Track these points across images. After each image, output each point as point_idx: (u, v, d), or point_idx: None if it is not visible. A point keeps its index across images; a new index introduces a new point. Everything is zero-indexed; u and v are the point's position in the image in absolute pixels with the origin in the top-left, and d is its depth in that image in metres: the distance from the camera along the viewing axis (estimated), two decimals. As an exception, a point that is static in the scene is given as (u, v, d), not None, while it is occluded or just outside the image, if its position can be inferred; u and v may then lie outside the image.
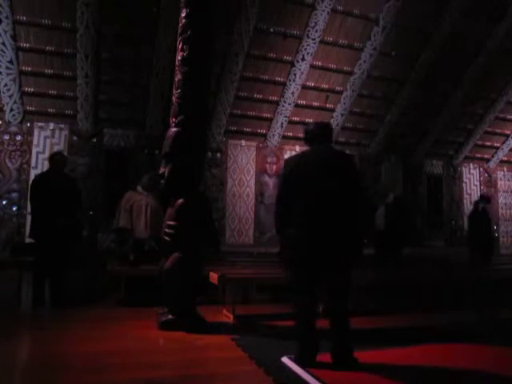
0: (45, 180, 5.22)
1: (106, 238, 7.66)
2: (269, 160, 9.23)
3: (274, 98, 8.67)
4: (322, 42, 8.08)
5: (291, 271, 3.05)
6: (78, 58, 7.12)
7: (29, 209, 6.08)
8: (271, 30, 7.81)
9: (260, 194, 9.05)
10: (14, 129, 7.57)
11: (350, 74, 8.64)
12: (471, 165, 11.20)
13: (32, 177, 6.93)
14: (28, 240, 6.29)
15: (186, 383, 2.66)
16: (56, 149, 7.42)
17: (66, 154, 6.81)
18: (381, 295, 5.46)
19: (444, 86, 9.26)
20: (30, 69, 7.27)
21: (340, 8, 7.83)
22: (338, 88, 8.81)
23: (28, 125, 7.64)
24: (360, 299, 4.94)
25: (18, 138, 7.59)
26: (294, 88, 8.47)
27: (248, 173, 9.05)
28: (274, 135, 9.07)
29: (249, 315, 4.60)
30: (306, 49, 8.04)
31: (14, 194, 7.44)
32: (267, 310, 5.02)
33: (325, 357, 2.82)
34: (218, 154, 8.84)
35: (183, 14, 4.24)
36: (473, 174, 11.22)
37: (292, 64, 8.25)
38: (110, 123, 8.05)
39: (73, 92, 7.52)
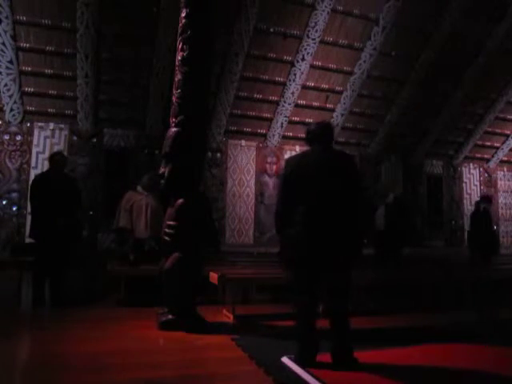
0: (45, 180, 5.22)
1: (106, 238, 7.67)
2: (269, 160, 9.23)
3: (274, 98, 8.67)
4: (322, 42, 8.08)
5: (291, 271, 3.04)
6: (78, 58, 7.12)
7: (29, 209, 6.08)
8: (271, 30, 7.81)
9: (260, 194, 9.06)
10: (14, 129, 7.57)
11: (350, 73, 8.64)
12: (471, 165, 11.20)
13: (32, 177, 6.94)
14: (28, 240, 6.29)
15: (185, 383, 2.66)
16: (56, 149, 7.42)
17: (66, 153, 6.80)
18: (381, 295, 5.45)
19: (444, 86, 9.26)
20: (29, 69, 7.27)
21: (340, 8, 7.84)
22: (337, 88, 8.81)
23: (28, 125, 7.65)
24: (360, 299, 4.94)
25: (18, 138, 7.59)
26: (293, 88, 8.47)
27: (248, 173, 9.05)
28: (274, 135, 9.08)
29: (249, 315, 4.60)
30: (305, 49, 8.04)
31: (14, 194, 7.45)
32: (267, 309, 5.01)
33: (325, 357, 2.82)
34: (218, 154, 8.84)
35: (183, 14, 4.24)
36: (473, 174, 11.23)
37: (292, 64, 8.25)
38: (110, 123, 8.05)
39: (73, 92, 7.52)
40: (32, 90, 7.45)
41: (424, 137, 10.14)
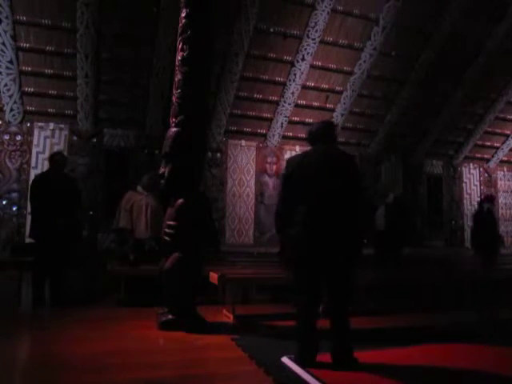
0: (45, 180, 5.22)
1: (105, 238, 7.67)
2: (269, 160, 9.23)
3: (274, 98, 8.67)
4: (322, 42, 8.08)
5: (291, 271, 3.04)
6: (78, 58, 7.12)
7: (29, 209, 6.08)
8: (271, 29, 7.81)
9: (260, 194, 9.06)
10: (14, 129, 7.57)
11: (350, 73, 8.64)
12: (471, 165, 11.20)
13: (32, 177, 6.94)
14: (28, 240, 6.29)
15: (185, 383, 2.66)
16: (56, 149, 7.42)
17: (66, 153, 6.80)
18: (381, 295, 5.45)
19: (444, 86, 9.26)
20: (29, 69, 7.27)
21: (340, 8, 7.84)
22: (337, 88, 8.81)
23: (28, 125, 7.65)
24: (360, 299, 4.93)
25: (18, 138, 7.59)
26: (294, 88, 8.47)
27: (248, 173, 9.05)
28: (273, 135, 9.08)
29: (249, 315, 4.60)
30: (305, 49, 8.04)
31: (14, 194, 7.44)
32: (267, 309, 5.02)
33: (325, 357, 2.82)
34: (218, 154, 8.84)
35: (183, 14, 4.24)
36: (473, 174, 11.23)
37: (292, 64, 8.25)
38: (110, 123, 8.05)
39: (73, 92, 7.52)
40: (32, 90, 7.45)
41: (424, 137, 10.14)
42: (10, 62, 7.01)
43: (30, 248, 5.47)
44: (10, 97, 7.30)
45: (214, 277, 4.56)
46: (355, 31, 8.17)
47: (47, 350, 3.25)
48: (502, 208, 11.35)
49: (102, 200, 7.77)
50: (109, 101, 7.83)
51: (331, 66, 8.55)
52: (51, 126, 7.76)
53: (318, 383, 2.52)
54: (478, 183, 11.24)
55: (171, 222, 4.03)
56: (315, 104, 8.96)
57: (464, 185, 11.08)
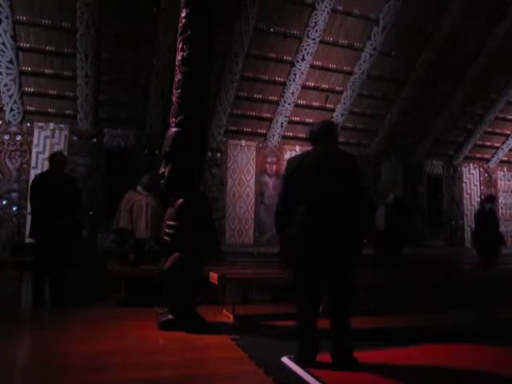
0: (45, 180, 5.22)
1: (105, 238, 7.67)
2: (269, 160, 9.23)
3: (274, 98, 8.67)
4: (322, 42, 8.08)
5: (292, 271, 3.05)
6: (78, 58, 7.12)
7: (29, 209, 6.08)
8: (271, 29, 7.81)
9: (260, 194, 9.06)
10: (14, 129, 7.57)
11: (350, 73, 8.64)
12: (471, 165, 11.20)
13: (32, 177, 6.94)
14: (28, 240, 6.29)
15: (185, 383, 2.66)
16: (56, 149, 7.42)
17: (66, 153, 6.80)
18: (381, 295, 5.45)
19: (444, 86, 9.26)
20: (29, 69, 7.27)
21: (340, 8, 7.84)
22: (337, 88, 8.81)
23: (28, 125, 7.65)
24: (360, 299, 4.93)
25: (18, 138, 7.59)
26: (294, 88, 8.47)
27: (248, 173, 9.05)
28: (273, 135, 9.08)
29: (249, 315, 4.60)
30: (305, 49, 8.04)
31: (14, 194, 7.45)
32: (267, 309, 5.01)
33: (325, 357, 2.82)
34: (218, 154, 8.84)
35: (183, 14, 4.24)
36: (473, 174, 11.23)
37: (292, 64, 8.25)
38: (110, 123, 8.05)
39: (73, 92, 7.52)
40: (32, 90, 7.45)
41: (424, 137, 10.14)
42: (10, 61, 7.01)
43: (30, 248, 5.47)
44: (10, 97, 7.30)
45: (213, 277, 4.56)
46: (355, 31, 8.18)
47: (47, 349, 3.25)
48: (502, 208, 11.35)
49: (101, 200, 7.77)
50: (109, 101, 7.84)
51: (331, 66, 8.55)
52: (51, 126, 7.76)
53: (318, 383, 2.52)
54: (477, 183, 11.24)
55: (171, 222, 4.03)
56: (315, 104, 8.96)
57: (464, 185, 11.08)
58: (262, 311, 4.92)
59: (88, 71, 7.24)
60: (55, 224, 4.95)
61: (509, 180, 11.57)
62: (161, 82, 7.60)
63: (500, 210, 11.27)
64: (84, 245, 7.01)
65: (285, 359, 2.92)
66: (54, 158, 5.38)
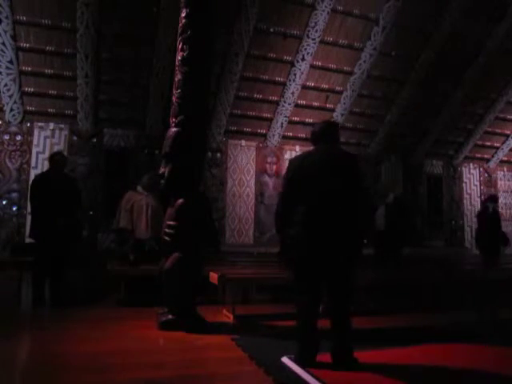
0: (45, 180, 5.22)
1: (105, 238, 7.67)
2: (269, 160, 9.23)
3: (274, 98, 8.67)
4: (322, 42, 8.08)
5: (292, 271, 3.05)
6: (78, 58, 7.12)
7: (29, 209, 6.08)
8: (271, 30, 7.81)
9: (260, 194, 9.06)
10: (14, 129, 7.57)
11: (350, 73, 8.64)
12: (471, 165, 11.20)
13: (32, 177, 6.94)
14: (28, 240, 6.29)
15: (185, 383, 2.66)
16: (56, 149, 7.42)
17: (65, 153, 6.80)
18: (381, 295, 5.45)
19: (444, 86, 9.26)
20: (29, 69, 7.27)
21: (340, 8, 7.84)
22: (337, 88, 8.81)
23: (28, 125, 7.65)
24: (360, 299, 4.93)
25: (18, 138, 7.59)
26: (294, 88, 8.47)
27: (248, 173, 9.05)
28: (273, 135, 9.08)
29: (249, 315, 4.60)
30: (305, 49, 8.04)
31: (14, 194, 7.45)
32: (267, 309, 5.01)
33: (325, 357, 2.82)
34: (218, 154, 8.84)
35: (183, 14, 4.24)
36: (473, 174, 11.23)
37: (292, 64, 8.25)
38: (110, 123, 8.05)
39: (73, 92, 7.53)
40: (32, 90, 7.45)
41: (424, 137, 10.14)
42: (10, 61, 7.01)
43: (30, 248, 5.47)
44: (10, 97, 7.30)
45: (213, 277, 4.56)
46: (355, 31, 8.18)
47: (47, 349, 3.25)
48: (502, 208, 11.31)
49: (102, 200, 7.77)
50: (109, 101, 7.84)
51: (331, 66, 8.55)
52: (51, 126, 7.76)
53: (318, 383, 2.52)
54: (477, 183, 11.24)
55: (171, 222, 4.03)
56: (315, 104, 8.96)
57: (464, 185, 11.08)
58: (262, 311, 4.92)
59: (88, 71, 7.25)
60: (55, 224, 4.94)
61: (509, 180, 11.57)
62: (161, 82, 7.60)
63: (500, 210, 11.24)
64: (84, 245, 7.01)
65: (285, 359, 2.92)
66: (54, 158, 5.38)
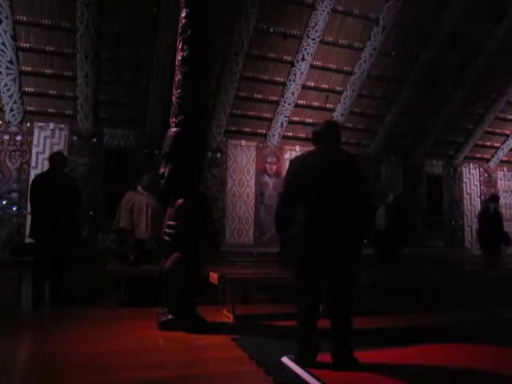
0: (45, 180, 5.22)
1: (105, 238, 7.67)
2: (269, 160, 9.23)
3: (274, 98, 8.67)
4: (322, 42, 8.08)
5: (293, 271, 3.05)
6: (78, 58, 7.12)
7: (29, 209, 6.08)
8: (271, 29, 7.81)
9: (260, 194, 9.06)
10: (14, 129, 7.57)
11: (350, 73, 8.64)
12: (471, 165, 11.20)
13: (32, 177, 6.94)
14: (28, 240, 6.29)
15: (185, 383, 2.66)
16: (56, 149, 7.42)
17: (66, 154, 6.80)
18: (381, 295, 5.45)
19: (444, 86, 9.26)
20: (29, 69, 7.27)
21: (340, 8, 7.84)
22: (337, 88, 8.81)
23: (28, 125, 7.65)
24: (360, 299, 4.93)
25: (18, 138, 7.59)
26: (294, 88, 8.47)
27: (248, 173, 9.05)
28: (273, 135, 9.08)
29: (249, 315, 4.60)
30: (305, 49, 8.04)
31: (14, 194, 7.45)
32: (267, 309, 5.01)
33: (325, 357, 2.82)
34: (218, 154, 8.84)
35: (183, 14, 4.24)
36: (473, 174, 11.23)
37: (292, 64, 8.25)
38: (110, 123, 8.05)
39: (73, 92, 7.52)
40: (32, 90, 7.45)
41: (424, 137, 10.14)
42: (10, 61, 7.01)
43: (30, 248, 5.47)
44: (10, 97, 7.30)
45: (213, 277, 4.56)
46: (355, 31, 8.18)
47: (47, 349, 3.25)
48: (502, 208, 11.33)
49: (102, 200, 7.77)
50: (109, 101, 7.84)
51: (331, 66, 8.55)
52: (51, 126, 7.76)
53: (318, 383, 2.52)
54: (477, 183, 11.24)
55: (171, 222, 4.03)
56: (315, 104, 8.96)
57: (464, 185, 11.08)
58: (262, 311, 4.92)
59: (88, 71, 7.24)
60: (55, 224, 4.94)
61: (509, 180, 11.57)
62: (161, 82, 7.60)
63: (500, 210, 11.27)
64: (84, 245, 7.01)
65: (285, 359, 2.92)
66: (54, 158, 5.38)
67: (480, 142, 10.82)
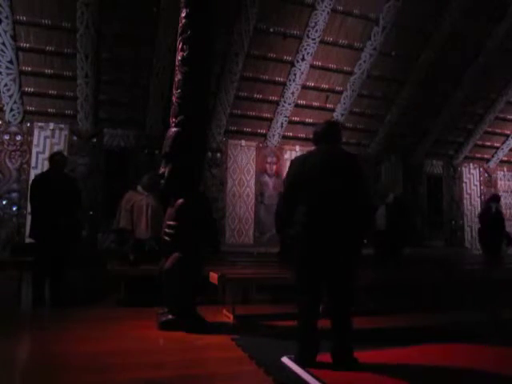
0: (45, 180, 5.22)
1: (105, 238, 7.67)
2: (269, 160, 9.23)
3: (274, 98, 8.67)
4: (322, 41, 8.09)
5: (293, 271, 3.05)
6: (78, 58, 7.12)
7: (29, 209, 6.08)
8: (271, 30, 7.81)
9: (260, 194, 9.06)
10: (14, 129, 7.57)
11: (350, 73, 8.64)
12: (471, 165, 11.20)
13: (32, 177, 6.94)
14: (28, 240, 6.29)
15: (185, 383, 2.66)
16: (56, 149, 7.42)
17: (65, 153, 6.80)
18: (381, 295, 5.45)
19: (444, 86, 9.26)
20: (29, 69, 7.27)
21: (340, 8, 7.84)
22: (338, 88, 8.81)
23: (28, 125, 7.65)
24: (360, 299, 4.93)
25: (18, 138, 7.59)
26: (294, 88, 8.47)
27: (248, 173, 9.06)
28: (273, 135, 9.08)
29: (249, 315, 4.60)
30: (305, 49, 8.04)
31: (14, 194, 7.45)
32: (267, 309, 5.01)
33: (325, 357, 2.82)
34: (218, 154, 8.84)
35: (183, 14, 4.23)
36: (473, 174, 11.23)
37: (292, 64, 8.25)
38: (110, 123, 8.06)
39: (73, 92, 7.53)
40: (32, 90, 7.45)
41: (424, 137, 10.14)
42: (10, 61, 7.01)
43: (30, 248, 5.47)
44: (10, 97, 7.30)
45: (214, 277, 4.56)
46: (355, 31, 8.18)
47: (47, 349, 3.25)
48: (502, 208, 11.34)
49: (102, 200, 7.77)
50: (109, 101, 7.84)
51: (331, 66, 8.55)
52: (51, 126, 7.77)
53: (318, 383, 2.52)
54: (477, 183, 11.24)
55: (171, 222, 4.03)
56: (315, 104, 8.96)
57: (464, 185, 11.08)
58: (262, 311, 4.92)
59: (88, 71, 7.25)
60: (55, 224, 4.94)
61: (509, 180, 11.57)
62: (161, 82, 7.60)
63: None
64: (84, 245, 7.01)
65: (285, 359, 2.92)
66: (54, 158, 5.37)
67: (480, 142, 10.82)
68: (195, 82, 4.16)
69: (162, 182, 4.15)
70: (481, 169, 11.31)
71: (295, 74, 8.32)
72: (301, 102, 8.78)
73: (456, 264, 7.72)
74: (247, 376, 2.81)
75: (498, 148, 11.13)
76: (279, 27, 7.82)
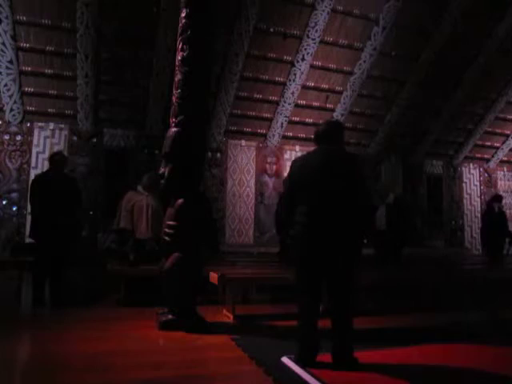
0: (45, 180, 5.21)
1: (106, 238, 7.67)
2: (269, 160, 9.23)
3: (274, 98, 8.68)
4: (322, 41, 8.09)
5: (293, 271, 3.05)
6: (78, 58, 7.13)
7: (29, 209, 6.07)
8: (271, 30, 7.81)
9: (260, 194, 9.06)
10: (14, 129, 7.57)
11: (350, 74, 8.64)
12: (471, 165, 11.20)
13: (32, 177, 6.94)
14: (28, 240, 6.29)
15: (185, 383, 2.66)
16: (56, 149, 7.43)
17: (66, 154, 6.80)
18: (381, 295, 5.45)
19: (444, 86, 9.26)
20: (29, 69, 7.27)
21: (340, 8, 7.84)
22: (338, 88, 8.81)
23: (28, 125, 7.65)
24: (360, 299, 4.93)
25: (18, 138, 7.60)
26: (293, 88, 8.47)
27: (248, 173, 9.06)
28: (273, 135, 9.08)
29: (249, 315, 4.60)
30: (305, 49, 8.04)
31: (14, 194, 7.45)
32: (267, 309, 5.02)
33: (325, 357, 2.82)
34: (218, 154, 8.85)
35: (183, 14, 4.23)
36: (473, 174, 11.23)
37: (292, 64, 8.25)
38: (110, 123, 8.06)
39: (73, 92, 7.53)
40: (32, 90, 7.46)
41: (424, 137, 10.14)
42: (10, 62, 7.02)
43: (30, 248, 5.47)
44: (10, 97, 7.30)
45: (214, 277, 4.56)
46: (355, 31, 8.18)
47: (47, 349, 3.25)
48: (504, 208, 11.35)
49: (102, 200, 7.78)
50: (109, 101, 7.84)
51: (331, 66, 8.55)
52: (51, 125, 7.77)
53: (318, 383, 2.52)
54: (478, 183, 11.24)
55: (171, 222, 4.03)
56: (315, 104, 8.96)
57: (464, 185, 11.09)
58: (262, 311, 4.92)
59: (88, 71, 7.25)
60: (55, 224, 4.94)
61: (509, 180, 11.57)
62: (161, 82, 7.60)
63: (500, 210, 11.26)
64: (84, 245, 7.01)
65: (285, 359, 2.92)
66: (54, 158, 5.37)
67: (480, 142, 10.83)
68: (195, 82, 4.16)
69: (162, 182, 4.15)
70: (481, 169, 11.31)
71: (295, 74, 8.33)
72: (301, 102, 8.78)
73: (456, 264, 7.72)
74: (247, 376, 2.81)
75: (498, 148, 11.13)
76: (279, 27, 7.82)
